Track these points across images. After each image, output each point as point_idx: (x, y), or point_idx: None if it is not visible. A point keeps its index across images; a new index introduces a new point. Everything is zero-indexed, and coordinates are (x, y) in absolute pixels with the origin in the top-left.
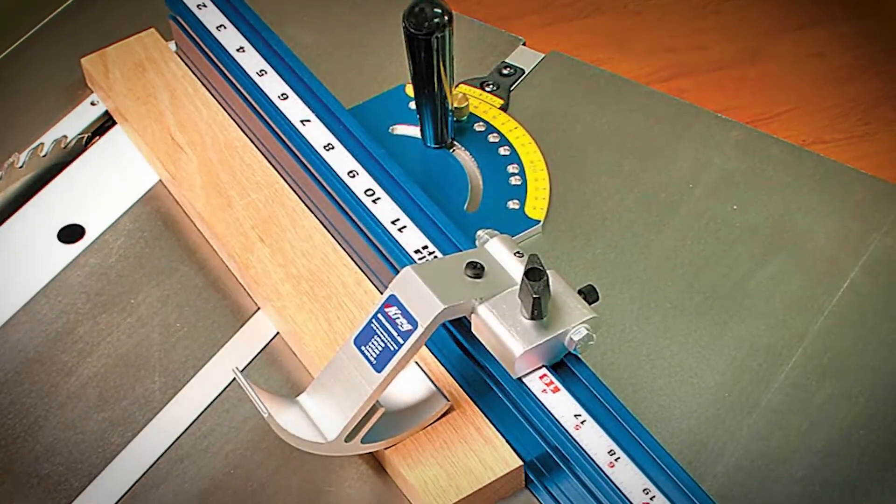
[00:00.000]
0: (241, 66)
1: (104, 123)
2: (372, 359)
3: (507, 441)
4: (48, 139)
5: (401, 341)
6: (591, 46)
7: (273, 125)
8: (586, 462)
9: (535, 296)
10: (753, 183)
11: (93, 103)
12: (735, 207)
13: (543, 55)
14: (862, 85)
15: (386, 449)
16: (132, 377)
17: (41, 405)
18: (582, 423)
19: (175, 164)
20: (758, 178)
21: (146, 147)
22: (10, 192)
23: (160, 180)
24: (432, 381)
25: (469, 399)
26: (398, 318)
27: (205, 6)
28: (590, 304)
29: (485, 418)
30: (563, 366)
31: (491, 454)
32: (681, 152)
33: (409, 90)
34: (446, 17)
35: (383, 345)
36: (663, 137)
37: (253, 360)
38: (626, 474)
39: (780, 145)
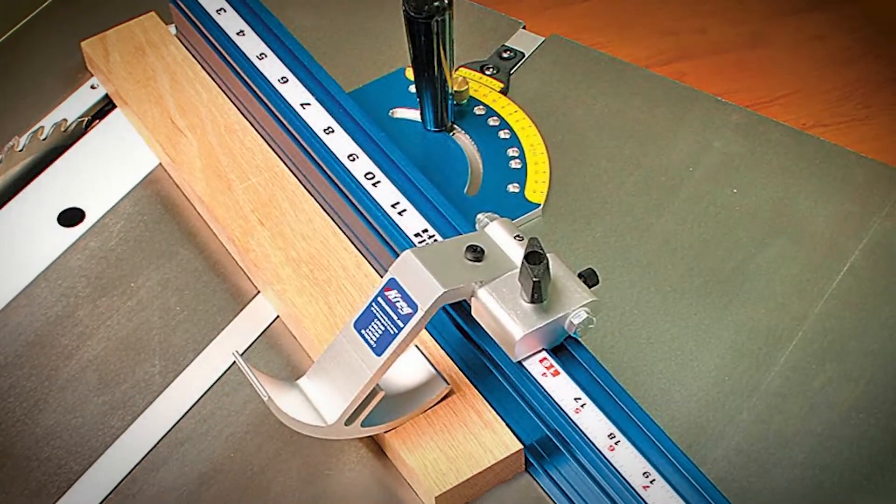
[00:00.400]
0: (241, 50)
1: (104, 107)
2: (372, 342)
3: (508, 424)
4: (48, 123)
5: (401, 325)
6: (590, 30)
7: (273, 109)
8: (586, 445)
9: (535, 279)
10: (753, 166)
11: (93, 87)
12: (735, 191)
13: (543, 39)
14: (862, 68)
15: (386, 432)
16: (132, 360)
17: (41, 388)
18: (582, 406)
19: (175, 147)
20: (758, 162)
21: (146, 130)
22: (9, 176)
23: (160, 164)
24: (432, 365)
25: (469, 382)
26: (398, 301)
27: None
28: (590, 287)
29: (485, 402)
30: (563, 349)
31: (491, 438)
32: (681, 136)
33: (409, 74)
34: (446, 1)
35: (383, 328)
36: (663, 121)
37: (253, 343)
38: (626, 458)
39: (780, 129)
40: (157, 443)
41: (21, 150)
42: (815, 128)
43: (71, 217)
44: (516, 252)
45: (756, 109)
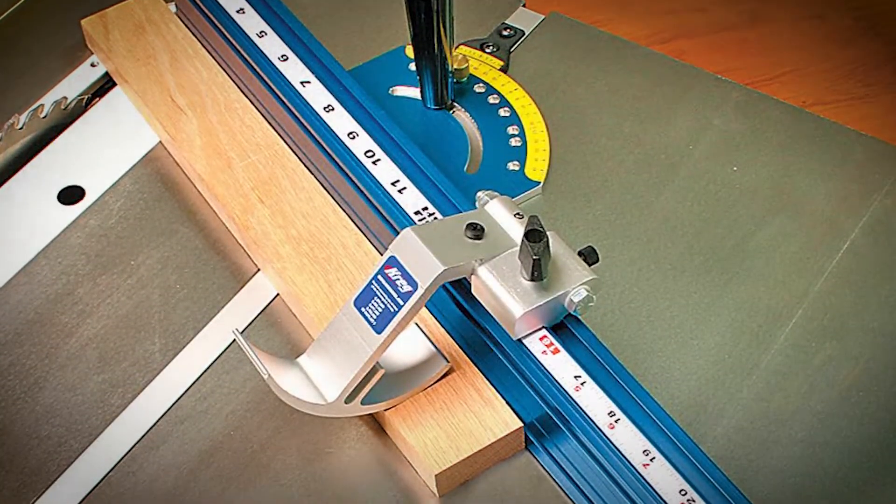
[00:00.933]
0: (241, 28)
1: (104, 85)
2: (372, 320)
3: (508, 402)
4: (48, 100)
5: (401, 303)
6: (590, 8)
7: (273, 87)
8: (586, 423)
9: (535, 257)
10: (753, 144)
11: (93, 65)
12: (735, 169)
13: (543, 16)
14: (863, 46)
15: (386, 410)
16: (132, 338)
17: (41, 366)
18: (582, 384)
19: (175, 125)
20: (758, 140)
21: (146, 108)
22: (10, 154)
23: (160, 142)
24: (432, 343)
25: (469, 360)
26: (398, 279)
27: None
28: (590, 265)
29: (485, 380)
30: (563, 327)
31: (491, 416)
32: (681, 114)
33: (410, 51)
34: None
35: (383, 306)
36: (663, 99)
37: (253, 321)
38: (626, 436)
39: (780, 107)
40: (157, 421)
41: (21, 128)
42: (815, 106)
43: (71, 195)
44: (516, 230)
45: (756, 87)
